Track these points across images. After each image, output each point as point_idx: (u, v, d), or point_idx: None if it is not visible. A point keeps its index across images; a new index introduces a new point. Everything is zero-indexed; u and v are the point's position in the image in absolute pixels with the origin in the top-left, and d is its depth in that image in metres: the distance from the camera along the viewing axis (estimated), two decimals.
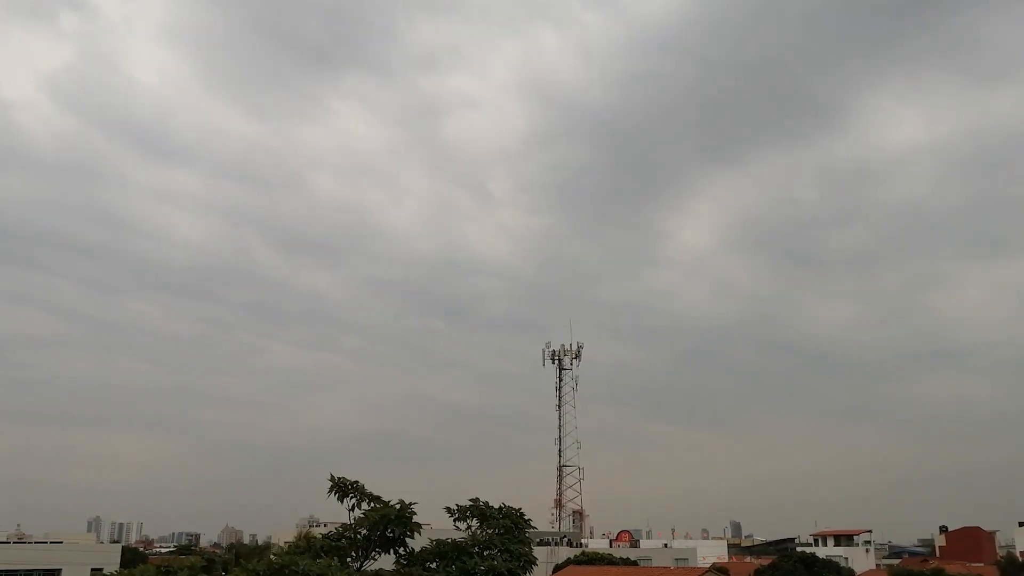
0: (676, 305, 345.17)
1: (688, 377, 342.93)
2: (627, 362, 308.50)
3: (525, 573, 29.51)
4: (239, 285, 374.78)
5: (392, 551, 27.11)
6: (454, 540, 28.61)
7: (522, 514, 30.69)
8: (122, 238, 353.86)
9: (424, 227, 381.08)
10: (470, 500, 30.30)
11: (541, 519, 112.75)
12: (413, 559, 27.52)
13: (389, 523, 26.41)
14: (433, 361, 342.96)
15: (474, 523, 29.91)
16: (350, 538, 26.78)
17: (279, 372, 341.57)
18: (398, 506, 26.61)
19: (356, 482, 27.06)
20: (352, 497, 26.88)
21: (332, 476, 27.15)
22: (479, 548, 28.36)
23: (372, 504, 26.74)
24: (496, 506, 30.32)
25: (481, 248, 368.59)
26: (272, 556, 26.09)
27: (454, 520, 30.03)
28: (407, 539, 27.28)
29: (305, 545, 25.89)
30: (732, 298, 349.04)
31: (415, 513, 26.95)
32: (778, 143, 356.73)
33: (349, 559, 26.14)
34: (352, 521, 26.89)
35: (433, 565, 27.50)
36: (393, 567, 26.83)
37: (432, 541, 28.38)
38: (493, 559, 27.78)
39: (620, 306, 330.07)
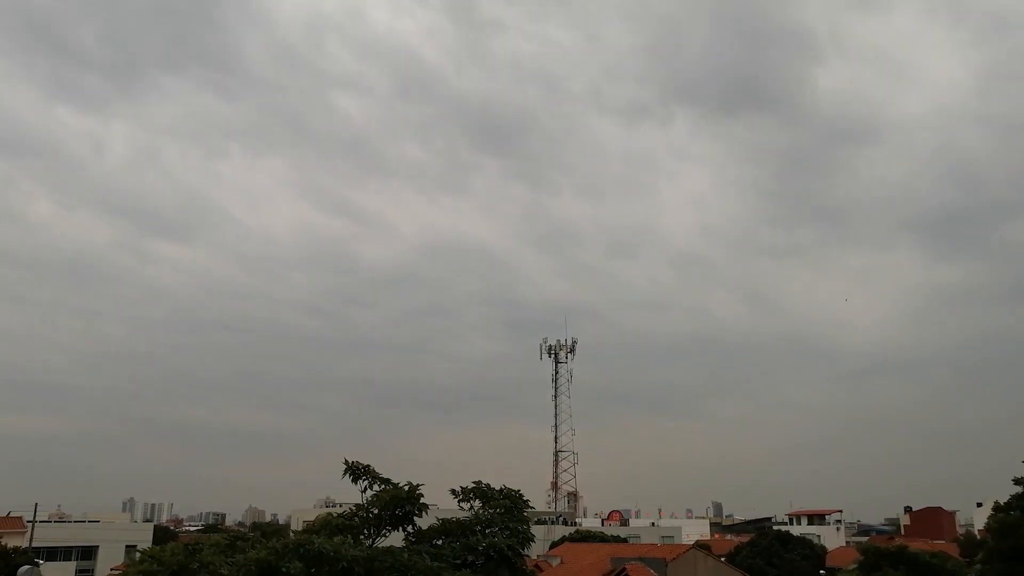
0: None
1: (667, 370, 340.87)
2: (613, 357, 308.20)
3: (524, 548, 29.62)
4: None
5: (401, 529, 27.28)
6: (459, 519, 28.74)
7: (521, 495, 30.82)
8: None
9: None
10: (473, 482, 30.46)
11: (536, 499, 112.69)
12: (421, 536, 27.62)
13: (400, 503, 26.62)
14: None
15: (476, 504, 30.01)
16: (363, 517, 26.91)
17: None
18: (407, 488, 26.84)
19: (368, 466, 27.26)
20: (364, 479, 27.06)
21: (346, 460, 27.37)
22: (481, 526, 28.46)
23: (383, 486, 26.95)
24: (498, 488, 30.48)
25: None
26: (291, 533, 26.29)
27: (458, 501, 30.18)
28: (415, 518, 27.45)
29: (320, 525, 25.93)
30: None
31: (423, 495, 27.16)
32: None
33: (362, 536, 26.24)
34: (365, 501, 27.05)
35: (439, 541, 27.58)
36: (402, 544, 26.89)
37: (439, 520, 28.53)
38: (494, 536, 27.88)
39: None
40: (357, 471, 27.00)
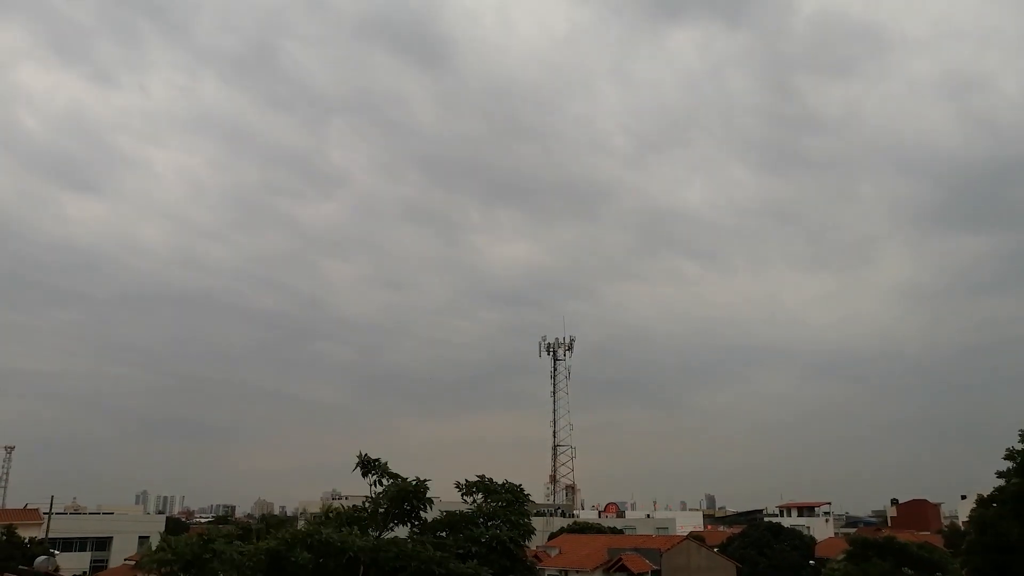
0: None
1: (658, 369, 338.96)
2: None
3: (525, 541, 29.72)
4: None
5: (407, 522, 27.39)
6: (462, 512, 28.84)
7: (522, 489, 30.93)
8: None
9: None
10: (477, 476, 30.57)
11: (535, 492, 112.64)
12: (426, 528, 27.73)
13: (407, 497, 26.73)
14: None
15: (479, 497, 30.10)
16: (371, 510, 27.01)
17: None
18: (414, 482, 26.94)
19: (378, 460, 27.36)
20: (374, 473, 27.17)
21: (360, 453, 27.54)
22: (484, 519, 28.56)
23: (392, 480, 27.04)
24: (500, 482, 30.56)
25: None
26: (301, 524, 26.45)
27: (462, 494, 30.28)
28: (421, 511, 27.55)
29: (333, 516, 26.06)
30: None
31: (428, 488, 27.27)
32: None
33: (370, 529, 26.36)
34: (373, 495, 27.15)
35: (443, 534, 27.69)
36: (408, 536, 27.03)
37: (443, 512, 28.63)
38: (497, 528, 27.98)
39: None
40: (368, 465, 27.10)
